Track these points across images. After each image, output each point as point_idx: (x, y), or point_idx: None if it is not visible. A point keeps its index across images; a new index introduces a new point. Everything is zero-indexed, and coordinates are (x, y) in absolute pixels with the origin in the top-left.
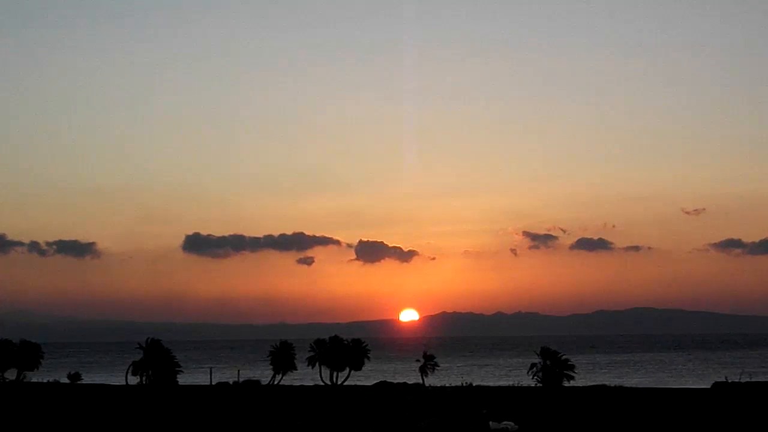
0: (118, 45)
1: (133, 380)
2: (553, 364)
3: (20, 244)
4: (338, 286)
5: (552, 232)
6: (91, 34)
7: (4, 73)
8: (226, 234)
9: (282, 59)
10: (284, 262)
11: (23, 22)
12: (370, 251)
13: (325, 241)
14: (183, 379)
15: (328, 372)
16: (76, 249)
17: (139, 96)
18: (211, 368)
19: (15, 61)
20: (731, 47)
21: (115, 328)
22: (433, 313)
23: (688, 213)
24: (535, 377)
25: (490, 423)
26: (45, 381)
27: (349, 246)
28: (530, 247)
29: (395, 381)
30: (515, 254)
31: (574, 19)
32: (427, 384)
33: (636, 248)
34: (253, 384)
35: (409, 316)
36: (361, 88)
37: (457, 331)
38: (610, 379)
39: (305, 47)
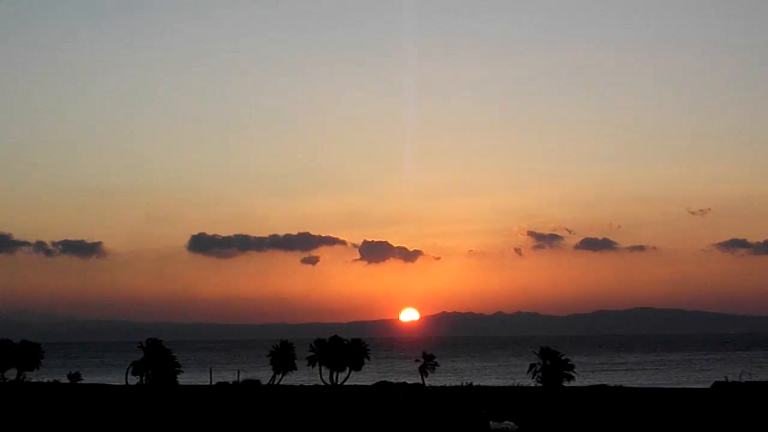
0: (121, 45)
1: (133, 380)
2: (553, 364)
3: (26, 243)
4: (342, 286)
5: (557, 232)
6: (93, 34)
7: (9, 74)
8: (232, 234)
9: (286, 59)
10: (289, 262)
11: (23, 22)
12: (375, 251)
13: (330, 241)
14: (183, 379)
15: (328, 372)
16: (81, 249)
17: (144, 96)
18: (211, 368)
19: (19, 62)
20: (735, 45)
21: (116, 328)
22: (433, 313)
23: (693, 213)
24: (535, 377)
25: (490, 423)
26: (45, 381)
27: (354, 246)
28: (535, 247)
29: (395, 381)
30: (520, 254)
31: (574, 18)
32: (427, 384)
33: (641, 248)
34: (253, 384)
35: (409, 316)
36: (363, 87)
37: (457, 331)
38: (610, 379)
39: (308, 47)
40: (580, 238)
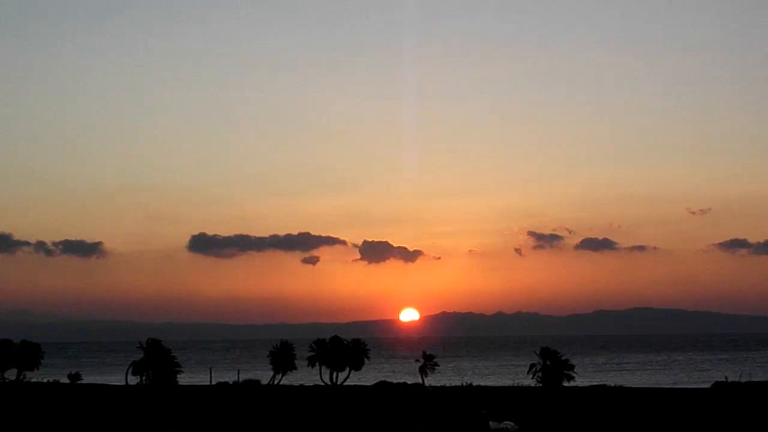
0: (121, 45)
1: (133, 380)
2: (553, 364)
3: (27, 244)
4: (342, 286)
5: (557, 232)
6: (93, 34)
7: (10, 73)
8: (232, 234)
9: (286, 59)
10: (289, 262)
11: (23, 22)
12: (375, 251)
13: (330, 241)
14: (183, 379)
15: (328, 372)
16: (82, 249)
17: (144, 96)
18: (211, 368)
19: (19, 62)
20: (735, 45)
21: (116, 328)
22: (433, 313)
23: (693, 213)
24: (535, 377)
25: (490, 423)
26: (45, 381)
27: (355, 246)
28: (535, 247)
29: (395, 381)
30: (520, 254)
31: (574, 18)
32: (427, 384)
33: (641, 248)
34: (253, 384)
35: (409, 315)
36: (363, 87)
37: (457, 331)
38: (610, 379)
39: (308, 47)
40: (581, 238)
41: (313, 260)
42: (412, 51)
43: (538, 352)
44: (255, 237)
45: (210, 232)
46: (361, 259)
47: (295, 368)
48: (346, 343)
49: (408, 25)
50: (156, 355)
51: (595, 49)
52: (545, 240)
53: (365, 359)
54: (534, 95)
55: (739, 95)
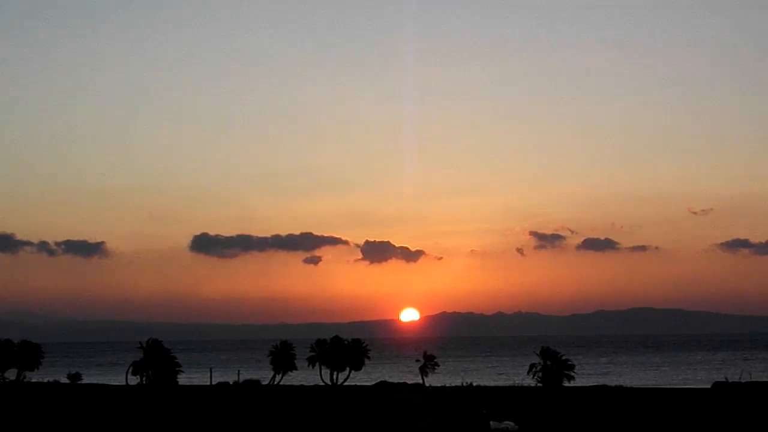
0: (121, 45)
1: (133, 380)
2: (553, 364)
3: (29, 243)
4: (344, 286)
5: (559, 232)
6: (93, 34)
7: (11, 73)
8: (234, 234)
9: (287, 60)
10: (291, 262)
11: (23, 22)
12: (377, 251)
13: (332, 241)
14: (183, 379)
15: (328, 372)
16: (84, 249)
17: (146, 96)
18: (211, 368)
19: (19, 62)
20: (735, 45)
21: (117, 328)
22: (433, 313)
23: (695, 213)
24: (536, 377)
25: (490, 423)
26: (45, 381)
27: (357, 246)
28: (537, 247)
29: (395, 381)
30: (522, 254)
31: (574, 18)
32: (427, 384)
33: (643, 248)
34: (253, 384)
35: (409, 316)
36: (364, 87)
37: (457, 331)
38: (610, 379)
39: (309, 48)
40: (582, 238)
41: (315, 260)
42: (412, 51)
43: (538, 352)
44: (257, 237)
45: (212, 232)
46: (363, 259)
47: (295, 368)
48: (346, 343)
49: (408, 25)
50: (156, 355)
51: (596, 49)
52: (547, 240)
53: (365, 359)
54: (534, 95)
55: (739, 95)
